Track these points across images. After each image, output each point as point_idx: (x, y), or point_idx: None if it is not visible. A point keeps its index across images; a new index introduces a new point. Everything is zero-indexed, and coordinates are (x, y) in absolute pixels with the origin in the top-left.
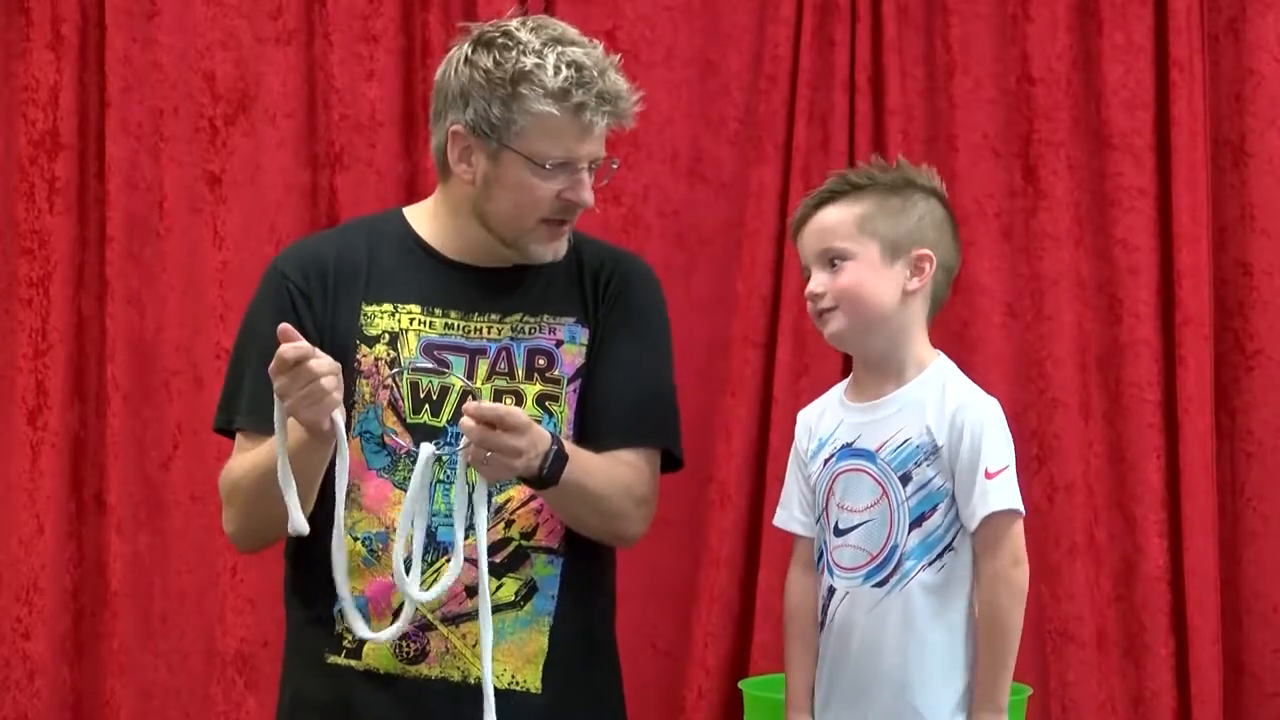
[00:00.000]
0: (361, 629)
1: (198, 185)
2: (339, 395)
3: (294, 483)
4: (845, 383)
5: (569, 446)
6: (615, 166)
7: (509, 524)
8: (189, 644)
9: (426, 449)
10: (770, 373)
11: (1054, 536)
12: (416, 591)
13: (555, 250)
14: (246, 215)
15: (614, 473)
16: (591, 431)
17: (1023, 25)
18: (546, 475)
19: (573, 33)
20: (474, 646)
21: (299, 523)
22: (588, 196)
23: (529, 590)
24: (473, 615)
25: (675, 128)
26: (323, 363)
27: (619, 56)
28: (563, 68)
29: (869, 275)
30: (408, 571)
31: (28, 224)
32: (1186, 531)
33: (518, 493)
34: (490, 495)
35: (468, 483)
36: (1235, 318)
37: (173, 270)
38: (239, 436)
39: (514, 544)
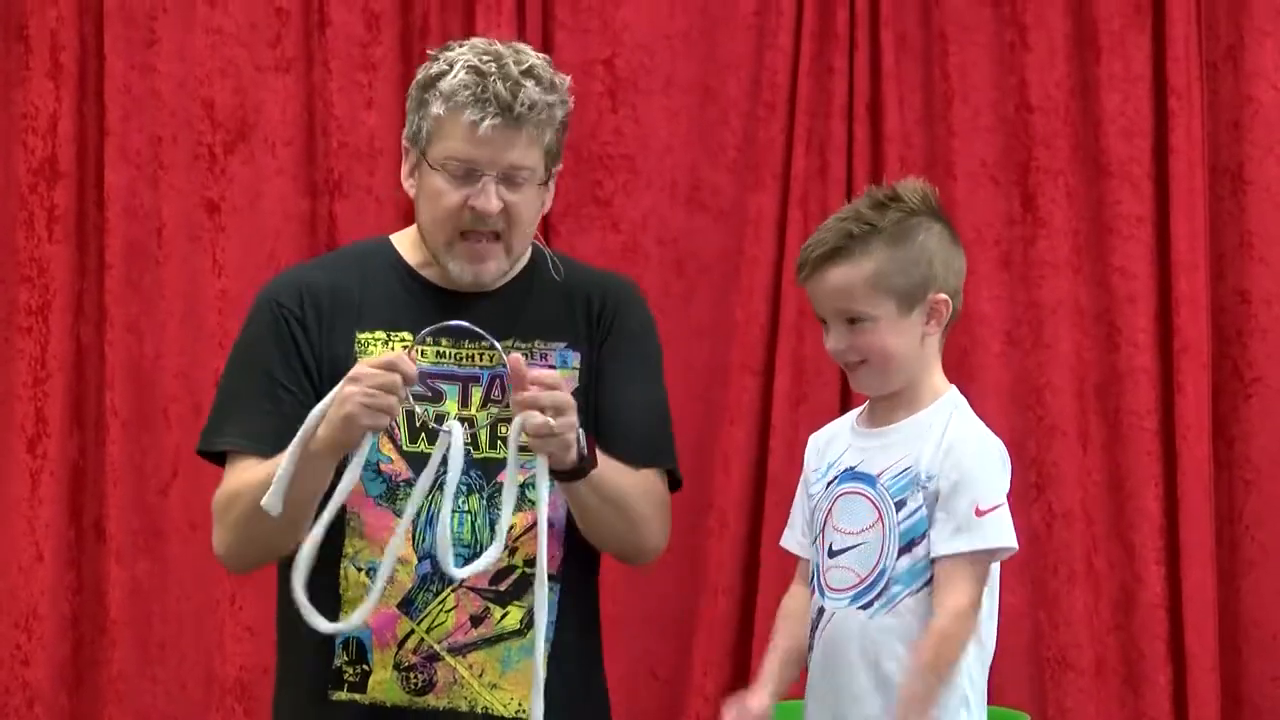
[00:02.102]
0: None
1: (197, 213)
2: (389, 423)
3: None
4: (859, 410)
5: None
6: (537, 175)
7: (513, 551)
8: (188, 671)
9: (457, 428)
10: (769, 400)
11: (1052, 564)
12: (453, 568)
13: (476, 273)
14: (246, 243)
15: (633, 477)
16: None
17: (1021, 53)
18: (586, 456)
19: (504, 48)
20: (480, 676)
21: (274, 503)
22: (485, 203)
23: (531, 618)
24: (479, 645)
25: (674, 155)
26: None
27: (561, 78)
28: (462, 73)
29: (888, 332)
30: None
31: (27, 252)
32: (1185, 559)
33: (519, 520)
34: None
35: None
36: (1234, 346)
37: (172, 298)
38: (232, 460)
39: (518, 571)
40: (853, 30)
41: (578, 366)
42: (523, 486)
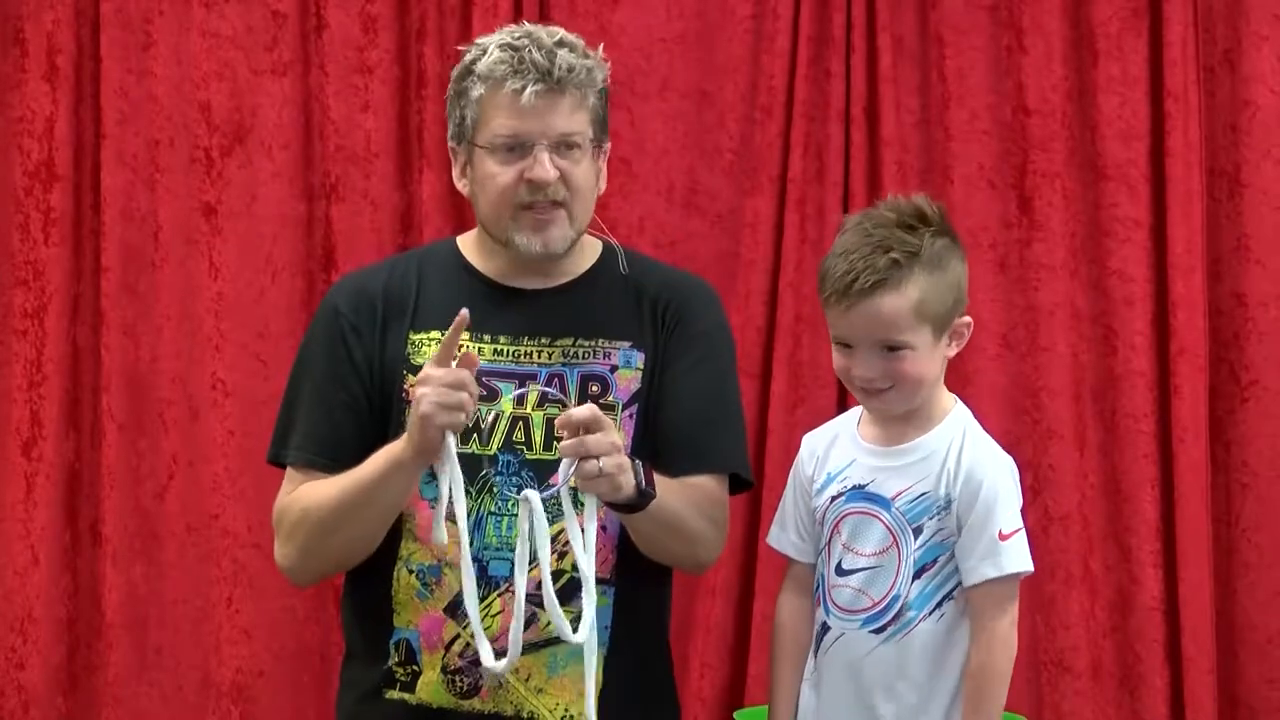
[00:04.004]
0: (487, 656)
1: (193, 216)
2: (465, 419)
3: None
4: (857, 415)
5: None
6: (589, 143)
7: (561, 556)
8: (184, 675)
9: (534, 497)
10: (765, 403)
11: (1049, 567)
12: (570, 634)
13: (544, 241)
14: (242, 246)
15: (687, 494)
16: (660, 460)
17: (1018, 57)
18: (646, 489)
19: (533, 26)
20: (526, 680)
21: (441, 534)
22: (541, 172)
23: (580, 623)
24: (526, 649)
25: (671, 159)
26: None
27: (588, 52)
28: (496, 51)
29: (925, 359)
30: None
31: (23, 255)
32: (1181, 562)
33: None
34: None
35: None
36: (1230, 349)
37: (168, 301)
38: (290, 470)
39: (566, 575)
40: (849, 34)
41: (641, 367)
42: (577, 492)
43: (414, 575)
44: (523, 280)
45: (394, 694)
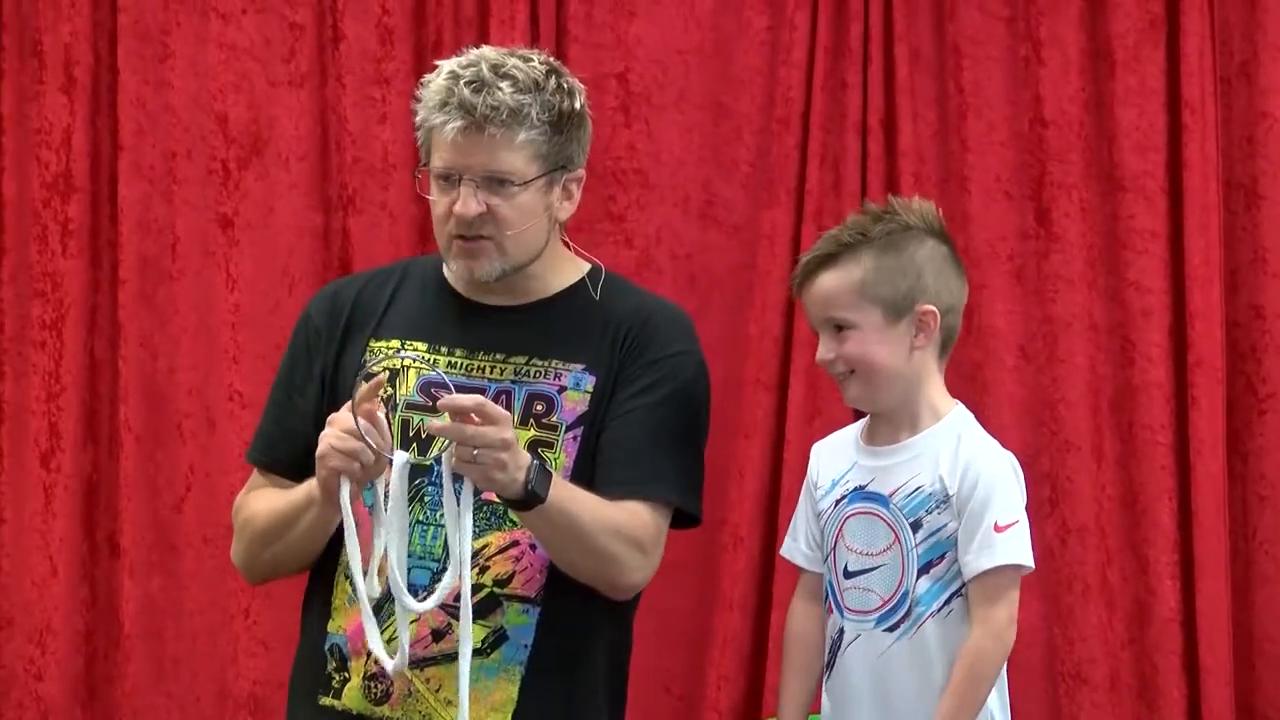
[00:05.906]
0: (383, 658)
1: (210, 228)
2: (358, 469)
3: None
4: (862, 423)
5: (555, 473)
6: (533, 179)
7: (483, 570)
8: (201, 686)
9: (401, 456)
10: (783, 415)
11: (1066, 579)
12: (411, 602)
13: (470, 270)
14: (259, 258)
15: (604, 510)
16: (596, 481)
17: (1035, 68)
18: (533, 489)
19: (493, 52)
20: (437, 691)
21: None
22: (459, 207)
23: (497, 638)
24: (438, 660)
25: (687, 170)
26: (374, 439)
27: (568, 82)
28: (439, 80)
29: (874, 341)
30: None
31: (40, 266)
32: (1199, 574)
33: (495, 539)
34: (473, 512)
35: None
36: (1248, 361)
37: (185, 312)
38: (254, 470)
39: (486, 590)
40: (866, 45)
41: (590, 390)
42: (503, 505)
43: (348, 580)
44: (490, 297)
45: (326, 700)
